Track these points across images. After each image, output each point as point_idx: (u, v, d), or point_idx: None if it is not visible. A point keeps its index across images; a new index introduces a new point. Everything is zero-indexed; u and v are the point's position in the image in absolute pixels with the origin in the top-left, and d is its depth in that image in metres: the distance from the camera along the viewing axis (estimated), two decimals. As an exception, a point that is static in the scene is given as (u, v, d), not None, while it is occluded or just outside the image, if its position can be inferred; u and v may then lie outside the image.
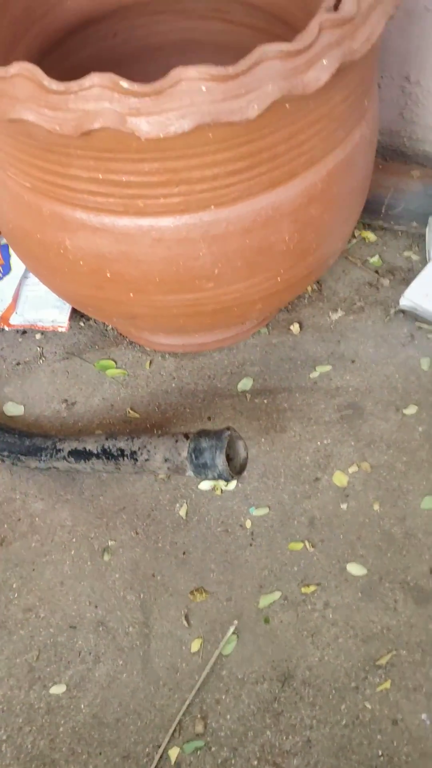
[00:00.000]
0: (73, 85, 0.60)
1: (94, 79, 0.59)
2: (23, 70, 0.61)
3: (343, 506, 0.92)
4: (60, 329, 1.07)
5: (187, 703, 0.82)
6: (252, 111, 0.60)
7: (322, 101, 0.66)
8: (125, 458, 0.86)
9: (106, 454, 0.87)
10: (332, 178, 0.73)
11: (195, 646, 0.85)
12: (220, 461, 0.78)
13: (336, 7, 0.64)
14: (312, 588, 0.87)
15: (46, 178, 0.71)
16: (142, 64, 0.96)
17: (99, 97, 0.60)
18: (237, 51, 0.89)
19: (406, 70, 1.07)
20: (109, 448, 0.87)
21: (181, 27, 0.93)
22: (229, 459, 0.82)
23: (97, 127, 0.60)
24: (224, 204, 0.70)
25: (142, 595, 0.89)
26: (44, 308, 1.06)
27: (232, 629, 0.86)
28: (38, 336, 1.09)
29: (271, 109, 0.61)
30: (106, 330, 1.09)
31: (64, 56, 0.90)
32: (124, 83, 0.59)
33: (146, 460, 0.84)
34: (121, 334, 1.08)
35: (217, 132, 0.62)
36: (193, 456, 0.80)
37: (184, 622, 0.87)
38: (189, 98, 0.59)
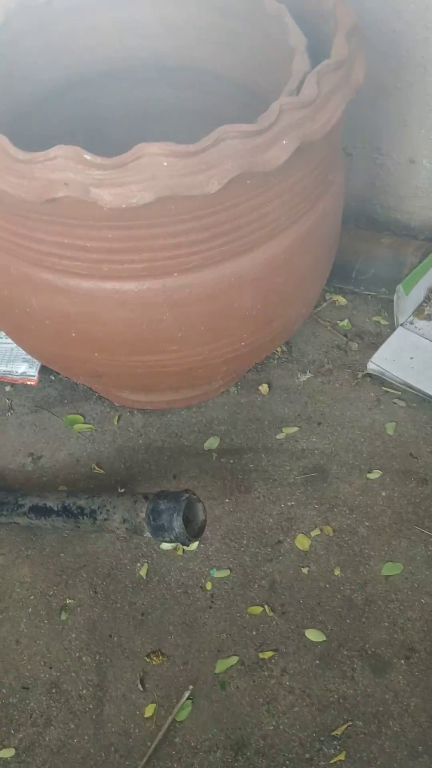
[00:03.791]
0: (39, 155, 0.62)
1: (59, 150, 0.61)
2: (-9, 139, 0.63)
3: (305, 570, 0.92)
4: (29, 382, 1.07)
5: (138, 771, 0.80)
6: (212, 186, 0.61)
7: (283, 177, 0.68)
8: (85, 517, 0.85)
9: (67, 512, 0.87)
10: (295, 249, 0.75)
11: (149, 711, 0.84)
12: (177, 524, 0.78)
13: (299, 89, 0.66)
14: (270, 653, 0.86)
15: (13, 239, 0.73)
16: (117, 129, 0.98)
17: (64, 168, 0.62)
18: (209, 117, 0.92)
19: (378, 142, 1.10)
20: (69, 505, 0.87)
21: (158, 95, 0.96)
22: (187, 521, 0.82)
23: (61, 195, 0.62)
24: (187, 271, 0.72)
25: (98, 657, 0.87)
26: (14, 361, 1.07)
27: (187, 694, 0.84)
28: (8, 388, 1.09)
29: (232, 184, 0.62)
30: (76, 384, 1.09)
31: (45, 119, 0.92)
32: (88, 156, 0.60)
33: (105, 519, 0.84)
34: (90, 389, 1.08)
35: (178, 204, 0.64)
36: (151, 517, 0.80)
37: (139, 686, 0.85)
38: (150, 172, 0.61)
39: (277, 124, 0.62)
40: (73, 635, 0.89)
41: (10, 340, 1.07)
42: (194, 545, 0.93)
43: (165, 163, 0.60)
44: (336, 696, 0.84)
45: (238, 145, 0.61)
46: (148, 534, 0.81)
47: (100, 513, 0.84)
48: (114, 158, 0.60)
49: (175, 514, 0.78)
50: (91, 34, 0.87)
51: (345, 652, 0.86)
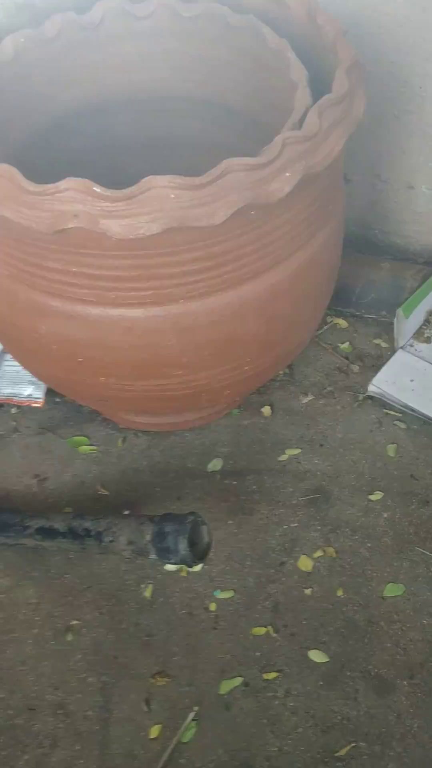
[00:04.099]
0: (50, 187, 0.64)
1: (69, 183, 0.63)
2: (3, 171, 0.65)
3: (308, 591, 0.93)
4: (35, 405, 1.08)
5: (143, 792, 0.81)
6: (218, 218, 0.63)
7: (286, 208, 0.70)
8: (91, 538, 0.87)
9: (73, 534, 0.88)
10: (297, 277, 0.77)
11: (154, 732, 0.84)
12: (183, 546, 0.79)
13: (301, 122, 0.69)
14: (274, 674, 0.87)
15: (23, 267, 0.75)
16: (127, 157, 1.00)
17: (73, 200, 0.63)
18: (216, 148, 0.94)
19: (377, 169, 1.13)
20: (75, 527, 0.88)
21: (164, 125, 0.98)
22: (192, 543, 0.83)
23: (71, 226, 0.64)
24: (193, 298, 0.74)
25: (103, 678, 0.88)
26: (21, 383, 1.08)
27: (191, 716, 0.85)
28: (14, 410, 1.11)
29: (237, 215, 0.64)
30: (81, 406, 1.11)
31: (53, 148, 0.94)
32: (97, 188, 0.62)
33: (111, 541, 0.85)
34: (95, 411, 1.10)
35: (185, 235, 0.66)
36: (157, 540, 0.81)
37: (144, 707, 0.86)
38: (159, 204, 0.63)
39: (280, 157, 0.64)
40: (79, 656, 0.90)
41: (16, 363, 1.09)
42: (198, 567, 0.94)
43: (172, 195, 0.62)
44: (339, 717, 0.84)
45: (242, 178, 0.63)
46: (153, 556, 0.82)
47: (106, 535, 0.86)
48: (123, 191, 0.62)
49: (180, 537, 0.79)
50: (98, 67, 0.90)
51: (348, 673, 0.87)
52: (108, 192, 0.62)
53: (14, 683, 0.88)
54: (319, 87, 0.74)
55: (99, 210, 0.63)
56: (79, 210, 0.63)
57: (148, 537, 0.82)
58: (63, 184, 0.63)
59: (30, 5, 0.85)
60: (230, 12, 0.83)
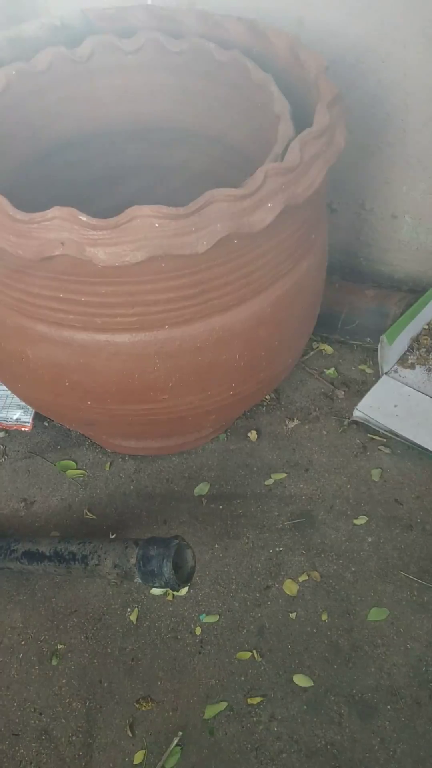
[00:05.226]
0: (37, 216, 0.65)
1: (56, 211, 0.65)
2: (-8, 200, 0.67)
3: (292, 615, 0.93)
4: (24, 429, 1.09)
5: None
6: (201, 246, 0.65)
7: (268, 237, 0.71)
8: (76, 562, 0.87)
9: (58, 557, 0.88)
10: (280, 304, 0.79)
11: (138, 757, 0.84)
12: (167, 569, 0.80)
13: (284, 154, 0.71)
14: (258, 699, 0.87)
15: (10, 293, 0.76)
16: (116, 186, 1.02)
17: (60, 228, 0.65)
18: (203, 175, 0.97)
19: (362, 198, 1.15)
20: (61, 551, 0.88)
21: (152, 154, 1.00)
22: (177, 567, 0.83)
23: (58, 254, 0.65)
24: (177, 324, 0.75)
25: (88, 703, 0.88)
26: (9, 408, 1.09)
27: (176, 741, 0.85)
28: (1, 434, 1.12)
29: (220, 244, 0.66)
30: (69, 431, 1.11)
31: (44, 176, 0.96)
32: (83, 217, 0.64)
33: (96, 564, 0.86)
34: (83, 436, 1.10)
35: (169, 263, 0.67)
36: (141, 563, 0.82)
37: (129, 732, 0.86)
38: (143, 233, 0.64)
39: (262, 188, 0.66)
40: (64, 681, 0.90)
41: (4, 388, 1.10)
42: (184, 590, 0.95)
43: (157, 225, 0.64)
44: (323, 742, 0.84)
45: (225, 208, 0.65)
46: (138, 579, 0.83)
47: (92, 558, 0.86)
48: (108, 219, 0.64)
49: (164, 560, 0.80)
50: (88, 99, 0.92)
51: (332, 698, 0.87)
52: (93, 220, 0.64)
53: (-2, 708, 0.88)
54: (302, 119, 0.76)
55: (85, 238, 0.64)
56: (65, 238, 0.65)
57: (132, 560, 0.82)
58: (50, 212, 0.65)
59: (21, 39, 0.88)
60: (216, 47, 0.85)
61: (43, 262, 0.67)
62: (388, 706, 0.86)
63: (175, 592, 0.94)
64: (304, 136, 0.70)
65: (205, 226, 0.65)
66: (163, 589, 0.94)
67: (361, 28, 0.97)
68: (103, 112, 0.94)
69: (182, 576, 0.84)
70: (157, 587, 0.90)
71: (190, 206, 0.64)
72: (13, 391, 0.93)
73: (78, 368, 0.79)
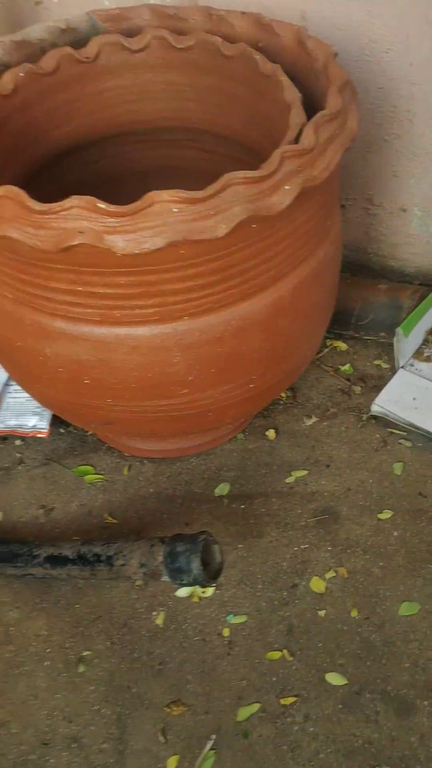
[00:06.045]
0: (55, 206, 0.65)
1: (74, 201, 0.64)
2: (8, 192, 0.66)
3: (321, 613, 0.91)
4: (40, 435, 1.08)
5: None
6: (220, 230, 0.64)
7: (286, 221, 0.71)
8: (101, 564, 0.85)
9: (82, 560, 0.87)
10: (299, 292, 0.78)
11: (172, 763, 0.82)
12: (195, 565, 0.78)
13: (297, 140, 0.70)
14: (291, 699, 0.85)
15: (28, 290, 0.75)
16: (124, 187, 1.02)
17: (78, 217, 0.64)
18: (212, 176, 0.96)
19: (369, 193, 1.15)
20: (84, 553, 0.87)
21: (160, 154, 1.00)
22: (204, 564, 0.82)
23: (76, 243, 0.65)
24: (197, 315, 0.74)
25: (117, 709, 0.86)
26: (25, 415, 1.08)
27: (209, 744, 0.83)
28: (18, 442, 1.10)
29: (239, 228, 0.65)
30: (86, 436, 1.10)
31: (52, 179, 0.96)
32: (101, 204, 0.63)
33: (122, 565, 0.84)
34: (100, 440, 1.09)
35: (188, 249, 0.66)
36: (169, 560, 0.80)
37: (161, 737, 0.84)
38: (162, 218, 0.64)
39: (279, 170, 0.66)
40: (92, 688, 0.88)
41: (19, 395, 1.09)
42: (210, 591, 0.93)
43: (175, 209, 0.63)
44: (361, 741, 0.82)
45: (243, 191, 0.65)
46: (165, 578, 0.81)
47: (117, 559, 0.84)
48: (126, 206, 0.63)
49: (192, 556, 0.78)
50: (96, 98, 0.92)
51: (367, 695, 0.85)
52: (112, 207, 0.63)
53: (26, 718, 0.86)
54: (313, 111, 0.76)
55: (104, 226, 0.64)
56: (84, 227, 0.64)
57: (159, 558, 0.81)
58: (68, 202, 0.64)
59: (27, 43, 0.88)
60: (222, 42, 0.85)
61: (62, 254, 0.66)
62: (425, 702, 0.84)
63: (203, 590, 0.93)
64: (318, 118, 0.70)
65: (224, 209, 0.64)
66: (189, 591, 0.93)
67: (364, 20, 0.97)
68: (110, 113, 0.94)
69: (210, 572, 0.82)
70: (185, 585, 0.88)
71: (208, 190, 0.64)
72: (31, 393, 0.93)
73: (97, 364, 0.78)
